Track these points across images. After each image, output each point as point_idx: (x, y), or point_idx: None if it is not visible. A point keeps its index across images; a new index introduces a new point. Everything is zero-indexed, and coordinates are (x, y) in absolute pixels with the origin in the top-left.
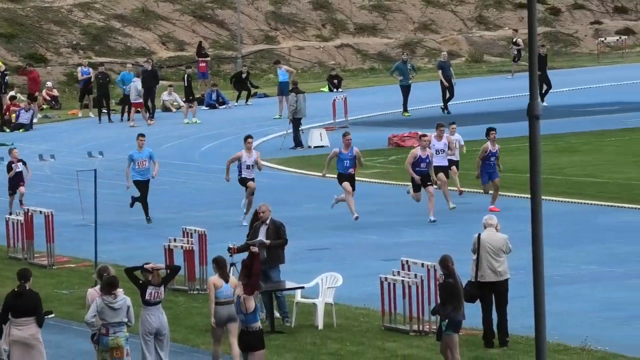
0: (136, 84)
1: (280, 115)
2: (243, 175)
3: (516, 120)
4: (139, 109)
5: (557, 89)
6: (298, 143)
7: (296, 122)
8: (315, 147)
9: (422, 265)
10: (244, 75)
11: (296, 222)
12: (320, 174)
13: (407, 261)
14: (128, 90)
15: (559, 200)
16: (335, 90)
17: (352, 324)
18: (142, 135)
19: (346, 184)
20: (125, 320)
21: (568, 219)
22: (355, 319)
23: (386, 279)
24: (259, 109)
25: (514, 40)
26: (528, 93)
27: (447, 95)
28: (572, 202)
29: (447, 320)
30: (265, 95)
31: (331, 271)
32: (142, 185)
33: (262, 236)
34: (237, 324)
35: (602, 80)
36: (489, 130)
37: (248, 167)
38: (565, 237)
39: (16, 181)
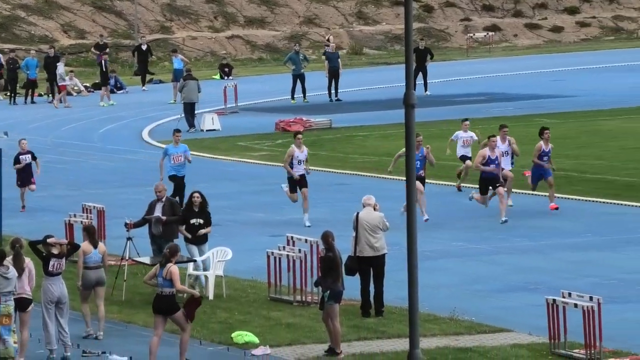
0: (59, 69)
1: (175, 101)
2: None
3: (393, 108)
4: (62, 90)
5: (430, 80)
6: (190, 125)
7: (186, 106)
8: (207, 130)
9: (306, 241)
10: (144, 48)
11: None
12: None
13: (292, 237)
14: (32, 75)
15: (430, 182)
16: (226, 78)
17: (240, 295)
18: (179, 130)
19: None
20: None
21: (439, 199)
22: (243, 290)
23: (272, 253)
24: (154, 94)
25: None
26: (404, 83)
27: (333, 84)
28: (443, 184)
29: (328, 292)
30: (161, 82)
31: (221, 246)
32: (178, 180)
33: (158, 213)
34: (104, 287)
35: (470, 73)
36: (542, 129)
37: (300, 162)
38: (436, 216)
39: (25, 174)
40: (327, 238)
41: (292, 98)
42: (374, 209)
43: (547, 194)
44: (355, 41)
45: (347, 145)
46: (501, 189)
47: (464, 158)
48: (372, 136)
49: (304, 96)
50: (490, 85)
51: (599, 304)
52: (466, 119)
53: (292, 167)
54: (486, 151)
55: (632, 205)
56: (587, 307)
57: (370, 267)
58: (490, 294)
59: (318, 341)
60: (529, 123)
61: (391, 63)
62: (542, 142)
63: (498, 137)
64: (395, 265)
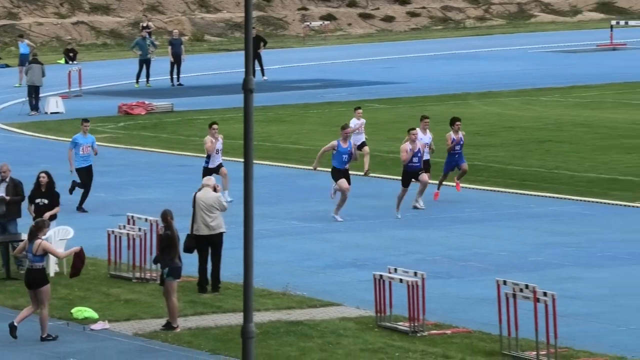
0: None
1: (20, 84)
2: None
3: (232, 93)
4: None
5: (268, 66)
6: (33, 107)
7: (30, 89)
8: (51, 113)
9: (146, 220)
10: None
11: (33, 181)
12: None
13: (132, 216)
14: None
15: (267, 164)
16: (70, 62)
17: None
18: (87, 120)
19: (343, 181)
20: None
21: (275, 181)
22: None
23: (113, 232)
24: (0, 78)
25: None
26: (244, 69)
27: (175, 69)
28: (279, 165)
29: (167, 268)
30: (7, 66)
31: (63, 225)
32: (86, 170)
33: (1, 192)
34: None
35: (307, 60)
36: (453, 120)
37: (217, 151)
38: (272, 197)
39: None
40: (165, 217)
41: (137, 82)
42: (215, 190)
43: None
44: (197, 28)
45: (188, 128)
46: (425, 176)
47: (362, 145)
48: (212, 119)
49: (147, 80)
50: (325, 72)
51: (422, 279)
52: (359, 107)
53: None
54: (407, 145)
55: (451, 186)
56: (412, 282)
57: (207, 245)
58: (321, 270)
59: (156, 316)
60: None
61: (232, 50)
62: (451, 132)
63: (418, 129)
64: (233, 243)
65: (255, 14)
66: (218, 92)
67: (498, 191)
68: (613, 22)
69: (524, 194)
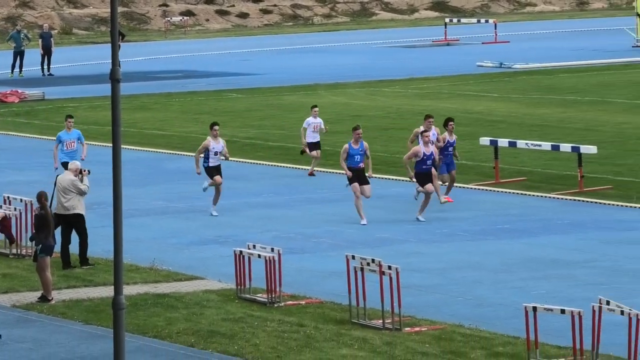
0: None
1: None
2: (210, 164)
3: (100, 82)
4: None
5: (132, 58)
6: None
7: None
8: None
9: (21, 200)
10: None
11: None
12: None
13: (8, 197)
14: None
15: (134, 149)
16: None
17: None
18: (71, 116)
19: (354, 186)
20: None
21: (142, 164)
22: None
23: None
24: None
25: None
26: (110, 60)
27: (45, 60)
28: (145, 150)
29: (40, 246)
30: None
31: None
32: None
33: None
34: None
35: (169, 52)
36: (447, 120)
37: (216, 153)
38: (139, 179)
39: None
40: (40, 198)
41: (11, 72)
42: (81, 173)
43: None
44: (66, 23)
45: (59, 115)
46: (431, 186)
47: (316, 146)
48: (81, 107)
49: (20, 71)
50: (186, 64)
51: (279, 255)
52: (315, 105)
53: (208, 159)
54: (420, 147)
55: (305, 169)
56: (269, 257)
57: (65, 224)
58: (186, 247)
59: (32, 289)
60: (220, 97)
61: (98, 42)
62: (446, 133)
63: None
64: (103, 222)
65: (119, 9)
66: (86, 81)
67: (340, 173)
68: (447, 20)
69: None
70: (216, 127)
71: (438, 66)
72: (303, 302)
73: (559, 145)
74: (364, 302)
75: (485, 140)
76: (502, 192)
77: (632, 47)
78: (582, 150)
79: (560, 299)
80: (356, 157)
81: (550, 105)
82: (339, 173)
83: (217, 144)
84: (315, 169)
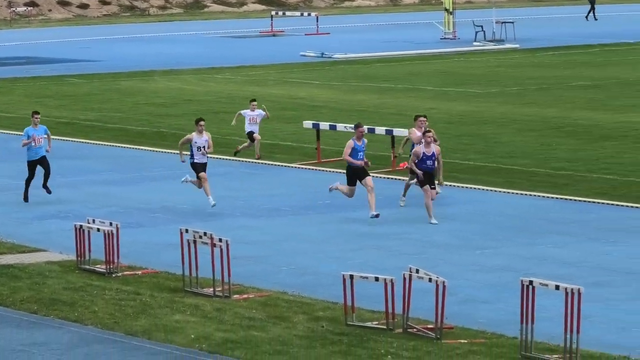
0: None
1: None
2: (195, 160)
3: None
4: None
5: None
6: None
7: None
8: None
9: None
10: None
11: None
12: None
13: None
14: None
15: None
16: None
17: None
18: (37, 112)
19: (352, 190)
20: None
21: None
22: None
23: None
24: None
25: None
26: None
27: None
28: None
29: None
30: None
31: None
32: (40, 160)
33: None
34: None
35: (13, 40)
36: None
37: (199, 148)
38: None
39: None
40: None
41: None
42: None
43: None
44: None
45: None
46: (433, 192)
47: (250, 134)
48: None
49: None
50: (30, 51)
51: (117, 228)
52: (253, 100)
53: (192, 155)
54: (421, 149)
55: (154, 150)
56: (108, 230)
57: None
58: (30, 221)
59: None
60: (62, 82)
61: None
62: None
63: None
64: None
65: None
66: None
67: (175, 153)
68: (273, 13)
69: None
70: (202, 123)
71: (265, 55)
72: (139, 272)
73: (374, 129)
74: (196, 272)
75: (308, 124)
76: (323, 170)
77: (440, 39)
78: (395, 133)
79: (374, 268)
80: (360, 153)
81: (367, 92)
82: (174, 153)
83: (200, 139)
84: (259, 153)
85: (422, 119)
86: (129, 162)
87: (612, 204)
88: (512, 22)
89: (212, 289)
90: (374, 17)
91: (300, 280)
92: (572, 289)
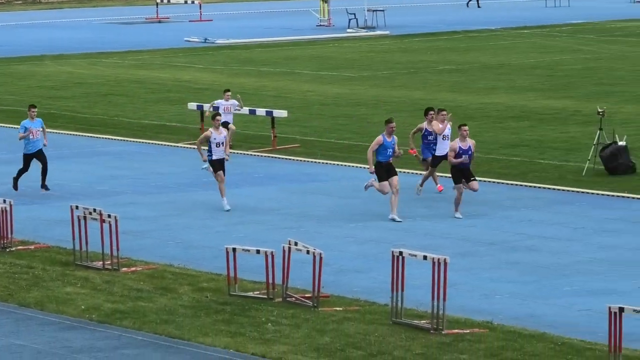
0: None
1: None
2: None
3: None
4: None
5: None
6: None
7: None
8: None
9: None
10: None
11: None
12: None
13: None
14: None
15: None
16: None
17: None
18: (34, 105)
19: (386, 185)
20: None
21: None
22: None
23: None
24: None
25: None
26: None
27: None
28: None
29: None
30: None
31: None
32: (37, 154)
33: None
34: None
35: None
36: (427, 110)
37: (218, 145)
38: None
39: None
40: None
41: None
42: None
43: None
44: None
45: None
46: (475, 183)
47: (225, 124)
48: None
49: None
50: None
51: (10, 205)
52: (227, 90)
53: (210, 151)
54: (457, 143)
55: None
56: (1, 207)
57: None
58: None
59: None
60: None
61: None
62: (425, 123)
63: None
64: None
65: None
66: None
67: (69, 134)
68: (158, 0)
69: (92, 136)
70: (218, 118)
71: (151, 41)
72: (32, 247)
73: (255, 110)
74: (86, 246)
75: (192, 105)
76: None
77: (316, 26)
78: (274, 114)
79: (256, 241)
80: (389, 150)
81: (248, 75)
82: (71, 134)
83: (218, 135)
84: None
85: (443, 112)
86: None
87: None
88: (383, 10)
89: (101, 263)
90: (254, 4)
91: (185, 254)
92: (438, 259)
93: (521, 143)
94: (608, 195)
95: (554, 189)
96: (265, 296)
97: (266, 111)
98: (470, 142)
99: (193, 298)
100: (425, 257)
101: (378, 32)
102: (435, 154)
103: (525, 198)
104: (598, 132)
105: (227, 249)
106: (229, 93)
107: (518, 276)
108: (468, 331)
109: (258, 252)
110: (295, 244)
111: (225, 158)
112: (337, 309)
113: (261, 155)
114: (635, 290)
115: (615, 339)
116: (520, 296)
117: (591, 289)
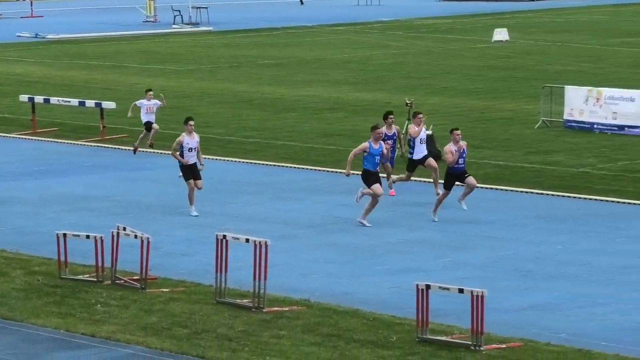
0: None
1: None
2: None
3: None
4: None
5: None
6: None
7: None
8: None
9: None
10: None
11: None
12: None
13: None
14: None
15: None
16: None
17: None
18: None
19: (378, 187)
20: None
21: None
22: None
23: None
24: None
25: None
26: None
27: None
28: None
29: None
30: None
31: None
32: None
33: None
34: None
35: None
36: (386, 114)
37: (190, 150)
38: None
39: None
40: None
41: None
42: None
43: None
44: None
45: None
46: (472, 179)
47: (148, 124)
48: None
49: None
50: None
51: None
52: (149, 90)
53: (182, 156)
54: (451, 146)
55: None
56: None
57: None
58: None
59: None
60: None
61: None
62: (384, 127)
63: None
64: None
65: None
66: None
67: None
68: None
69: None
70: (191, 122)
71: None
72: None
73: (84, 102)
74: None
75: (24, 97)
76: (38, 140)
77: (143, 22)
78: (103, 106)
79: (86, 227)
80: (376, 157)
81: (78, 68)
82: None
83: (191, 140)
84: (152, 141)
85: (420, 115)
86: None
87: (295, 167)
88: (207, 7)
89: None
90: (83, 1)
91: (19, 239)
92: (260, 242)
93: (335, 132)
94: (420, 181)
95: None
96: (95, 279)
97: (95, 102)
98: (463, 145)
99: (25, 281)
100: (247, 240)
101: (202, 28)
102: (413, 158)
103: (340, 184)
104: (406, 122)
105: (57, 234)
106: (152, 93)
107: (334, 257)
108: (287, 309)
109: (88, 237)
110: (124, 229)
111: (200, 168)
112: (164, 290)
113: (90, 145)
114: (440, 269)
115: (423, 314)
116: (335, 275)
117: (401, 268)
